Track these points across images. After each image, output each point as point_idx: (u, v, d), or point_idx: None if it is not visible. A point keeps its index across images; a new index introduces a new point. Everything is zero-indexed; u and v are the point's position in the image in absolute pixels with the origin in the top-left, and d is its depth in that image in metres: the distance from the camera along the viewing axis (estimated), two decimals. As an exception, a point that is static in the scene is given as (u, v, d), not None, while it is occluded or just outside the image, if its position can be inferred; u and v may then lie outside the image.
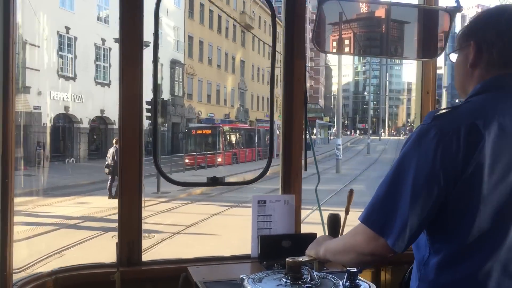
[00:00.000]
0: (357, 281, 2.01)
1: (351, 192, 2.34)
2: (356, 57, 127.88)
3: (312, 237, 2.25)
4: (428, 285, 1.48)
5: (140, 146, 2.34)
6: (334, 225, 2.26)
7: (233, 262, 2.46)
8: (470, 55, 1.52)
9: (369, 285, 2.01)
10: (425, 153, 1.38)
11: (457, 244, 1.41)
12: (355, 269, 1.99)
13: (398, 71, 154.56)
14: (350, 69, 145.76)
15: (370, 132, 61.87)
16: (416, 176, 1.38)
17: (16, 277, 1.98)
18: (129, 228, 2.28)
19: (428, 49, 2.67)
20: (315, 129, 60.43)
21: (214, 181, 2.40)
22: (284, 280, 1.93)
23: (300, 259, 1.90)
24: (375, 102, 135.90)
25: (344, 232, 1.97)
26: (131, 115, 2.31)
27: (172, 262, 2.40)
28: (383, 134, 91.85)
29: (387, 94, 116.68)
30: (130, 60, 2.31)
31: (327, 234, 2.28)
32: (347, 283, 1.98)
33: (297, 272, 1.91)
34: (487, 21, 1.51)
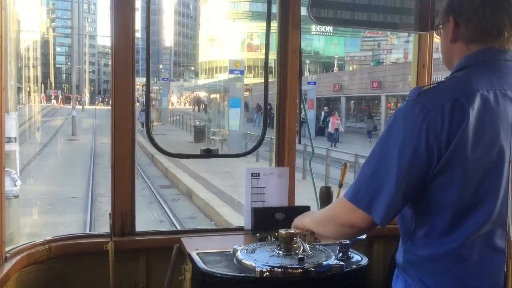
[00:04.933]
0: (349, 253, 2.03)
1: (345, 165, 2.35)
2: (46, 10, 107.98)
3: (305, 209, 2.25)
4: (414, 258, 1.51)
5: (132, 118, 2.32)
6: (326, 198, 2.27)
7: (226, 233, 2.47)
8: (450, 30, 1.55)
9: (361, 257, 2.03)
10: (410, 130, 1.39)
11: (442, 217, 1.43)
12: (347, 241, 2.00)
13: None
14: (37, 24, 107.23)
15: (75, 100, 41.55)
16: (402, 153, 1.39)
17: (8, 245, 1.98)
18: (122, 199, 2.28)
19: (424, 22, 2.62)
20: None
21: (208, 153, 2.39)
22: (277, 251, 1.95)
23: (292, 231, 1.91)
24: (69, 64, 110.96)
25: None
26: (123, 87, 2.29)
27: (166, 233, 2.41)
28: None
29: (86, 54, 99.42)
30: (122, 33, 2.27)
31: (320, 206, 2.29)
32: (340, 255, 2.00)
33: (290, 244, 1.92)
34: None
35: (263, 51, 2.67)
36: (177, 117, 38.81)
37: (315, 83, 34.51)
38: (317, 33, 79.83)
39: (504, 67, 1.49)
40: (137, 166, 14.59)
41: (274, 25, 2.63)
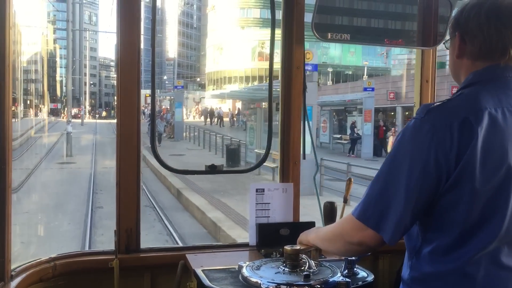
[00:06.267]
0: (355, 269, 2.02)
1: (349, 181, 2.35)
2: (47, 21, 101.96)
3: (310, 225, 2.25)
4: (419, 274, 1.50)
5: (138, 134, 2.33)
6: (330, 213, 2.26)
7: (231, 250, 2.46)
8: (456, 46, 1.56)
9: (367, 273, 2.02)
10: (419, 149, 1.40)
11: (449, 235, 1.43)
12: (353, 258, 2.00)
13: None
14: (39, 36, 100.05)
15: (70, 113, 31.49)
16: (410, 171, 1.40)
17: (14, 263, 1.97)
18: (127, 216, 2.28)
19: (428, 37, 2.65)
20: None
21: (213, 169, 2.40)
22: (282, 267, 1.93)
23: (298, 247, 1.91)
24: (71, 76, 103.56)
25: None
26: (128, 101, 2.30)
27: (170, 250, 2.40)
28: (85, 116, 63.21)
29: (86, 65, 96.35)
30: (128, 48, 2.29)
31: (323, 222, 2.28)
32: (345, 271, 2.00)
33: (295, 260, 1.92)
34: (469, 12, 1.53)
35: (275, 59, 2.62)
36: (194, 133, 31.64)
37: (373, 89, 26.65)
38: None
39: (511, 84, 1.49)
40: (159, 212, 10.88)
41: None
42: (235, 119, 49.13)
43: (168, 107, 43.93)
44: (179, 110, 35.49)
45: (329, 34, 2.41)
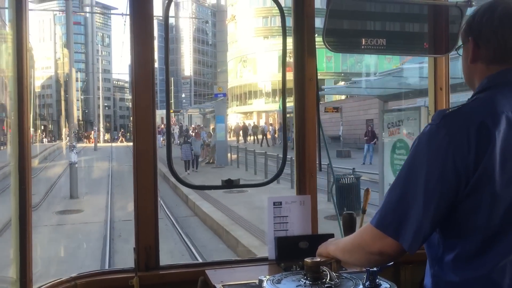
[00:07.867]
0: (377, 280, 1.99)
1: (367, 191, 2.33)
2: (58, 43, 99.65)
3: (329, 237, 2.23)
4: (443, 283, 1.48)
5: (154, 151, 2.34)
6: (350, 224, 2.24)
7: (251, 264, 2.44)
8: (470, 51, 1.55)
9: (389, 284, 1.99)
10: (436, 154, 1.38)
11: (471, 241, 1.41)
12: (375, 269, 1.97)
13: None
14: (51, 60, 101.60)
15: (75, 136, 22.15)
16: (428, 177, 1.38)
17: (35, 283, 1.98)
18: (146, 233, 2.29)
19: (440, 45, 2.65)
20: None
21: (229, 184, 2.40)
22: (303, 280, 1.91)
23: (318, 259, 1.89)
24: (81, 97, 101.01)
25: None
26: (144, 121, 2.32)
27: (190, 266, 2.40)
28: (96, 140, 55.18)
29: (100, 86, 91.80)
30: (142, 60, 2.31)
31: (343, 233, 2.26)
32: (367, 283, 1.96)
33: (316, 272, 1.89)
34: (482, 17, 1.53)
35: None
36: (249, 156, 22.22)
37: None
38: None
39: None
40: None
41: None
42: (277, 135, 39.55)
43: (192, 124, 36.86)
44: (221, 126, 25.67)
45: (340, 43, 2.41)
